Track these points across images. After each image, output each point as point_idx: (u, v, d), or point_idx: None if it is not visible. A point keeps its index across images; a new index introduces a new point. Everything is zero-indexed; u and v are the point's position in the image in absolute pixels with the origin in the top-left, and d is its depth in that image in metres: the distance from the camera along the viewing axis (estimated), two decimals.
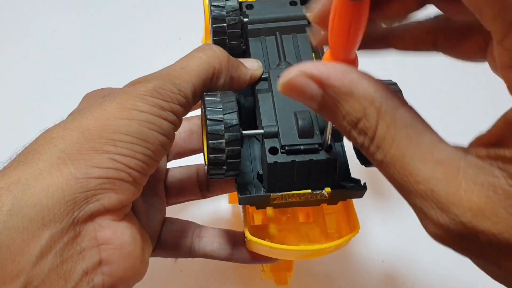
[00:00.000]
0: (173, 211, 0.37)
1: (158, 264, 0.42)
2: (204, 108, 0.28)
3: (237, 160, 0.28)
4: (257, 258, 0.33)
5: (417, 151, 0.18)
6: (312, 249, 0.30)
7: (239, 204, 0.30)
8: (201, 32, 0.49)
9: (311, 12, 0.22)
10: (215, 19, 0.32)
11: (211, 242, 0.34)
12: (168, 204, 0.36)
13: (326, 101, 0.20)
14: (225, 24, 0.32)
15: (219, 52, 0.30)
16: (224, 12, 0.32)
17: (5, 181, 0.24)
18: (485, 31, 0.18)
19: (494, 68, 0.22)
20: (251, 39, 0.34)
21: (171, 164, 0.38)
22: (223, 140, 0.27)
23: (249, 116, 0.33)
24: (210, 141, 0.27)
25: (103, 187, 0.25)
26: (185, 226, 0.35)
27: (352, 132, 0.20)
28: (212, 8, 0.32)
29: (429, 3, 0.22)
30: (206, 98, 0.28)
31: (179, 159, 0.37)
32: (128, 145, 0.26)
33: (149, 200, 0.33)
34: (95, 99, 0.30)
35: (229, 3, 0.33)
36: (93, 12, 0.63)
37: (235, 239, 0.34)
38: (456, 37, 0.23)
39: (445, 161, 0.18)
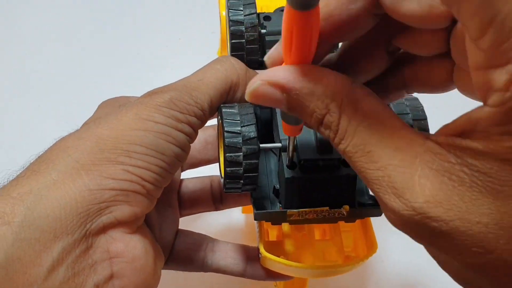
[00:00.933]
0: (186, 221, 0.36)
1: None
2: (222, 120, 0.28)
3: (254, 174, 0.27)
4: (271, 274, 0.32)
5: (378, 139, 0.19)
6: (327, 269, 0.29)
7: (255, 220, 0.29)
8: (204, 36, 0.49)
9: (269, 59, 0.23)
10: (233, 34, 0.32)
11: (224, 256, 0.33)
12: (181, 216, 0.35)
13: (292, 104, 0.20)
14: (243, 40, 0.31)
15: (237, 65, 0.29)
16: (242, 28, 0.31)
17: (18, 190, 0.24)
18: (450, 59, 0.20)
19: (462, 89, 0.22)
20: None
21: (185, 174, 0.37)
22: (241, 153, 0.27)
23: (265, 128, 0.32)
24: (227, 154, 0.27)
25: (116, 199, 0.25)
26: (199, 240, 0.34)
27: (320, 128, 0.20)
28: (230, 23, 0.32)
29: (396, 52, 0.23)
30: (224, 110, 0.28)
31: (193, 169, 0.37)
32: (143, 156, 0.26)
33: (162, 211, 0.33)
34: (111, 108, 0.30)
35: (247, 18, 0.32)
36: (93, 12, 0.63)
37: (248, 255, 0.33)
38: (422, 70, 0.23)
39: (404, 147, 0.18)
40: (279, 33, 0.34)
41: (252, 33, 0.31)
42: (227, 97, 0.29)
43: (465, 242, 0.17)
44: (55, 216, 0.23)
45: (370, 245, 0.31)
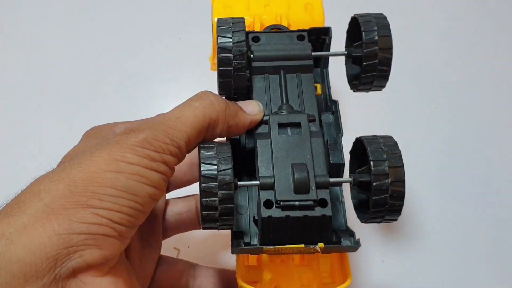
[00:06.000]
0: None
1: None
2: (199, 162, 0.28)
3: (230, 216, 0.28)
4: None
5: None
6: None
7: (232, 253, 0.30)
8: (204, 35, 0.48)
9: None
10: (221, 61, 0.32)
11: (206, 282, 0.35)
12: (167, 237, 0.36)
13: None
14: (231, 68, 0.32)
15: (216, 102, 0.30)
16: (230, 55, 0.32)
17: None
18: None
19: None
20: (255, 76, 0.34)
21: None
22: (216, 198, 0.27)
23: (250, 157, 0.32)
24: (203, 199, 0.27)
25: (85, 243, 0.25)
26: (180, 266, 0.35)
27: None
28: (219, 50, 0.32)
29: None
30: (202, 152, 0.28)
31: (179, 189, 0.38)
32: (114, 199, 0.26)
33: (145, 238, 0.33)
34: (93, 140, 0.30)
35: (236, 47, 0.32)
36: (91, 11, 0.62)
37: (229, 279, 0.34)
38: None
39: None
40: (266, 58, 0.34)
41: (239, 61, 0.32)
42: (206, 134, 0.30)
43: None
44: (25, 261, 0.24)
45: (345, 276, 0.32)
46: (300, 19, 0.40)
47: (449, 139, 0.54)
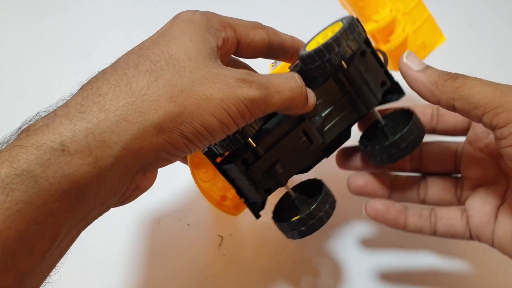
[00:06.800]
0: None
1: (201, 248, 0.51)
2: None
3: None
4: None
5: None
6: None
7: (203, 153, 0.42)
8: None
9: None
10: (317, 53, 0.36)
11: None
12: None
13: None
14: (322, 62, 0.36)
15: (303, 88, 0.34)
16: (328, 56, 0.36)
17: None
18: None
19: None
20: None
21: None
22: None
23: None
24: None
25: (166, 157, 0.31)
26: None
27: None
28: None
29: None
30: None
31: None
32: (203, 139, 0.31)
33: None
34: (192, 35, 0.32)
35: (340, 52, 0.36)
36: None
37: None
38: None
39: None
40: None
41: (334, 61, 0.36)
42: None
43: None
44: (120, 160, 0.28)
45: (237, 208, 0.46)
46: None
47: None
